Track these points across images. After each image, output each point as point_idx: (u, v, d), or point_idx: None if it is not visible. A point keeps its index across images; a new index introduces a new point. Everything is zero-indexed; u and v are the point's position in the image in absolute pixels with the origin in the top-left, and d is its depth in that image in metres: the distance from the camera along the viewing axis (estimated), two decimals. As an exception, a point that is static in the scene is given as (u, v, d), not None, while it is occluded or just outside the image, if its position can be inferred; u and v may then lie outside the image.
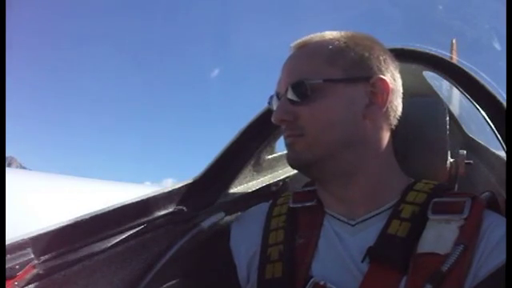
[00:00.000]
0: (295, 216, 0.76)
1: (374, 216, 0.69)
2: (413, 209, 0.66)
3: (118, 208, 0.73)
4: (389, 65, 0.72)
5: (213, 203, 0.89)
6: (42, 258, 0.62)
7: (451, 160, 0.86)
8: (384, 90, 0.69)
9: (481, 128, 1.01)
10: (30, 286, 0.60)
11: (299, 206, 0.77)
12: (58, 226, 0.65)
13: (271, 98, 0.75)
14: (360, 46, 0.70)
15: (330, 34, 0.73)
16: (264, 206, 0.82)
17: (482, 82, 0.87)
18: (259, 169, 1.02)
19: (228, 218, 0.87)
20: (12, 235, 0.61)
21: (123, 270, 0.73)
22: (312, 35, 0.74)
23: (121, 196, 0.83)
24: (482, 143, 1.09)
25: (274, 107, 0.72)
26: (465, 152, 0.89)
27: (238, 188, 0.96)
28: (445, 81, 0.98)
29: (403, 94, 0.75)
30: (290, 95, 0.69)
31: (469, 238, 0.60)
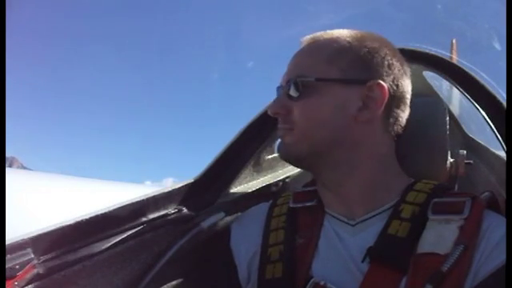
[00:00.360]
0: (295, 216, 0.76)
1: (374, 216, 0.69)
2: (413, 209, 0.66)
3: (118, 208, 0.73)
4: (393, 70, 0.70)
5: (213, 203, 0.89)
6: (42, 258, 0.62)
7: (451, 160, 0.86)
8: (380, 95, 0.68)
9: (481, 128, 1.01)
10: (29, 286, 0.60)
11: (299, 206, 0.77)
12: (57, 226, 0.65)
13: (278, 89, 0.76)
14: (365, 47, 0.69)
15: (338, 33, 0.72)
16: (264, 206, 0.82)
17: (482, 82, 0.87)
18: (259, 169, 1.02)
19: (228, 218, 0.87)
20: (12, 235, 0.61)
21: (123, 270, 0.72)
22: (323, 32, 0.74)
23: (121, 196, 0.83)
24: (482, 143, 1.09)
25: None
26: (465, 152, 0.89)
27: (237, 188, 0.96)
28: (445, 81, 0.98)
29: None
30: (287, 90, 0.70)
31: (469, 238, 0.60)
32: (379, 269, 0.63)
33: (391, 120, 0.71)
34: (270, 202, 0.83)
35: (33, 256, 0.61)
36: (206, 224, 0.82)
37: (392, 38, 0.76)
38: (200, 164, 0.92)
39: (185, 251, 0.80)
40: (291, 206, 0.78)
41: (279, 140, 0.75)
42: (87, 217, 0.68)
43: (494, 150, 1.00)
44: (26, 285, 0.60)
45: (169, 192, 0.82)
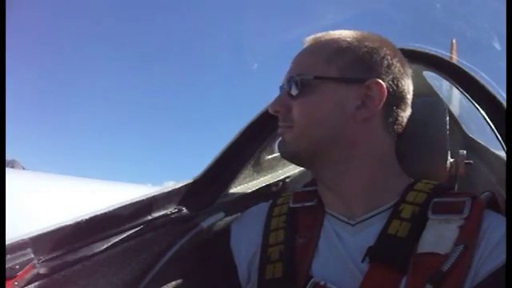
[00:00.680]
0: (295, 216, 0.76)
1: (374, 216, 0.69)
2: (413, 209, 0.66)
3: (118, 208, 0.73)
4: (393, 69, 0.71)
5: (213, 203, 0.89)
6: (42, 258, 0.62)
7: (451, 160, 0.86)
8: (379, 94, 0.68)
9: (481, 128, 1.01)
10: (29, 286, 0.60)
11: (299, 205, 0.77)
12: (57, 226, 0.65)
13: (280, 88, 0.77)
14: (364, 47, 0.70)
15: (339, 33, 0.73)
16: (264, 206, 0.82)
17: (482, 82, 0.87)
18: (259, 169, 1.02)
19: (228, 218, 0.87)
20: (12, 235, 0.61)
21: (123, 270, 0.72)
22: (324, 32, 0.75)
23: (121, 196, 0.83)
24: (482, 143, 1.09)
25: None
26: (465, 152, 0.89)
27: (237, 188, 0.96)
28: (445, 81, 0.98)
29: None
30: (288, 88, 0.71)
31: (469, 237, 0.60)
32: (379, 269, 0.63)
33: (391, 119, 0.71)
34: (270, 201, 0.83)
35: (33, 256, 0.61)
36: (205, 224, 0.82)
37: (392, 38, 0.76)
38: (201, 167, 0.92)
39: (185, 251, 0.80)
40: (291, 205, 0.78)
41: (280, 138, 0.75)
42: (87, 217, 0.68)
43: (494, 150, 1.00)
44: (26, 285, 0.60)
45: (169, 192, 0.82)
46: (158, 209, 0.80)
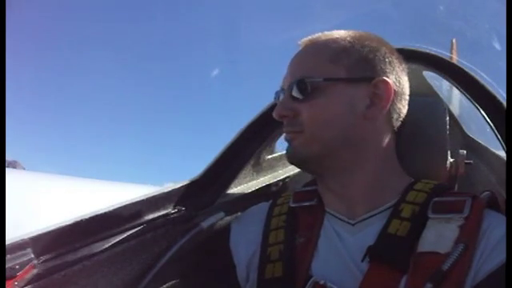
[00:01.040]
0: (295, 215, 0.76)
1: (374, 215, 0.69)
2: (413, 208, 0.66)
3: (118, 208, 0.73)
4: (394, 67, 0.72)
5: (212, 203, 0.89)
6: (42, 258, 0.62)
7: (451, 160, 0.86)
8: (386, 91, 0.69)
9: (481, 128, 1.01)
10: (29, 286, 0.60)
11: (299, 205, 0.77)
12: (57, 226, 0.65)
13: (277, 93, 0.76)
14: (366, 46, 0.70)
15: (337, 33, 0.73)
16: (264, 206, 0.82)
17: (482, 81, 0.87)
18: (259, 169, 1.02)
19: (228, 217, 0.87)
20: (12, 235, 0.61)
21: (123, 270, 0.72)
22: (320, 33, 0.74)
23: (121, 196, 0.84)
24: (482, 143, 1.09)
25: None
26: (465, 152, 0.89)
27: (237, 188, 0.96)
28: (445, 81, 0.98)
29: None
30: (292, 92, 0.69)
31: (469, 237, 0.60)
32: (379, 268, 0.63)
33: (395, 116, 0.72)
34: (270, 201, 0.83)
35: (33, 256, 0.61)
36: (205, 224, 0.82)
37: (392, 38, 0.77)
38: (201, 168, 0.92)
39: (185, 251, 0.80)
40: (291, 205, 0.78)
41: (278, 139, 0.75)
42: (87, 217, 0.68)
43: (494, 150, 1.00)
44: (26, 285, 0.60)
45: (168, 192, 0.82)
46: (158, 209, 0.80)
